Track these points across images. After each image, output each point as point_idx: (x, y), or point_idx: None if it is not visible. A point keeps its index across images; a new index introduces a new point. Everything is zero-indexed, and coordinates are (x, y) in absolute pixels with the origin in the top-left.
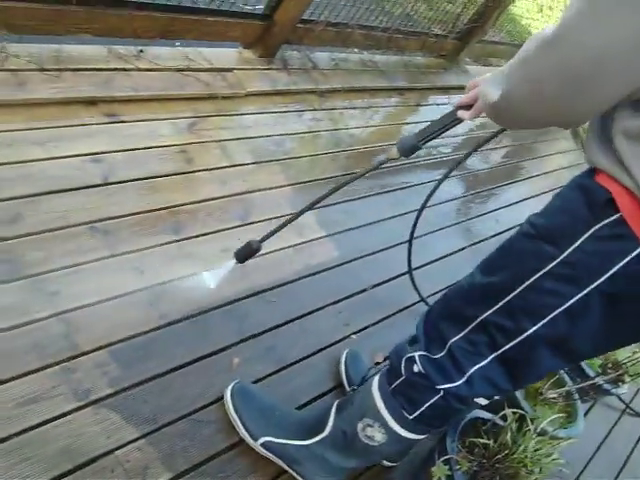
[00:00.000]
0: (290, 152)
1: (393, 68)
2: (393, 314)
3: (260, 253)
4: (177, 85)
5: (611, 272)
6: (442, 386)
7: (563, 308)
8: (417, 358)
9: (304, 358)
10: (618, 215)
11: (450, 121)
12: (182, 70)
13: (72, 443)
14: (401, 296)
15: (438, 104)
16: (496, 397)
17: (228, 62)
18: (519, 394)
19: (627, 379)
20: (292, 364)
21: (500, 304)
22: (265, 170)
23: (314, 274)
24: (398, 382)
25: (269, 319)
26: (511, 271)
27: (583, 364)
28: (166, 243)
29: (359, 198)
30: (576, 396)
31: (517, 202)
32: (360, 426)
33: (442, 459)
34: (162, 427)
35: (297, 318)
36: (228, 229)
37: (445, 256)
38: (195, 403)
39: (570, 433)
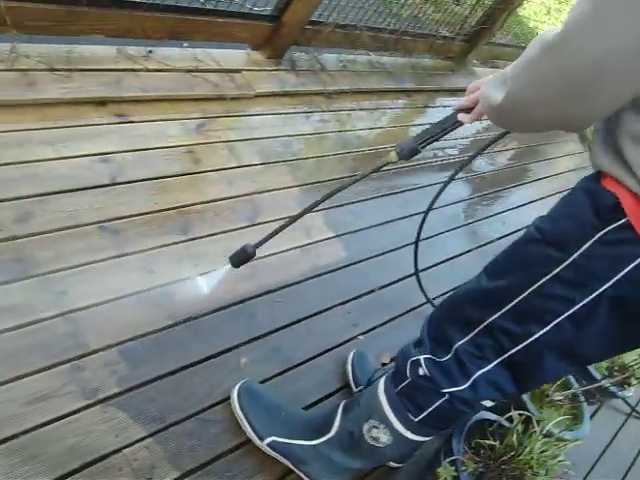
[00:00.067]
0: (298, 153)
1: (401, 70)
2: (400, 315)
3: (268, 253)
4: (186, 86)
5: (618, 277)
6: (447, 390)
7: (569, 313)
8: (422, 361)
9: (311, 358)
10: (625, 220)
11: (450, 124)
12: (191, 71)
13: (80, 441)
14: (409, 297)
15: (445, 106)
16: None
17: (236, 63)
18: (525, 396)
19: (633, 382)
20: (299, 364)
21: (506, 308)
22: (273, 171)
23: (322, 275)
24: (403, 385)
25: (276, 319)
26: (517, 275)
27: (589, 366)
28: (174, 243)
29: (368, 199)
30: (582, 398)
31: (524, 204)
32: (366, 427)
33: (448, 460)
34: (169, 426)
35: (304, 318)
36: (236, 229)
37: (452, 258)
38: (202, 402)
39: (576, 435)
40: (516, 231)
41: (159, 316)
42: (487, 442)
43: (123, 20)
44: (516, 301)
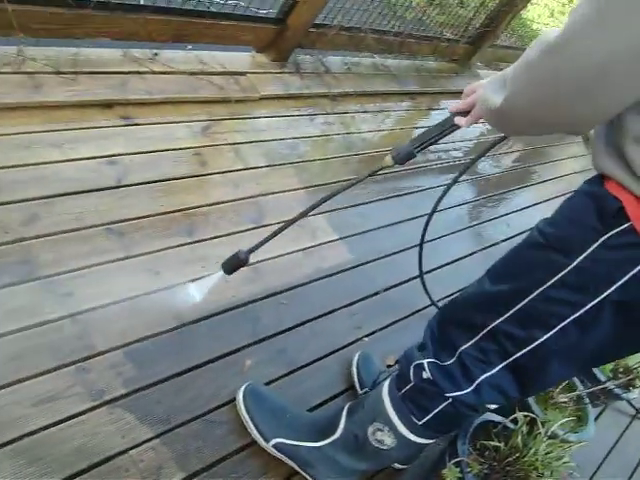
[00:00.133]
0: (303, 155)
1: (405, 72)
2: (405, 317)
3: (272, 255)
4: (191, 88)
5: (622, 281)
6: (451, 394)
7: (573, 317)
8: (426, 365)
9: (316, 360)
10: (628, 224)
11: (447, 128)
12: (196, 73)
13: (87, 442)
14: (414, 299)
15: None
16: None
17: (241, 66)
18: (530, 398)
19: (638, 384)
20: (304, 366)
21: (510, 312)
22: (278, 173)
23: (327, 277)
24: (407, 388)
25: (281, 321)
26: (521, 279)
27: (594, 369)
28: (180, 245)
29: (373, 201)
30: (587, 400)
31: (528, 206)
32: (371, 430)
33: (453, 461)
34: (176, 427)
35: (309, 320)
36: (241, 232)
37: (456, 260)
38: (208, 404)
39: (581, 437)
40: (521, 233)
41: (165, 318)
42: (492, 443)
43: (128, 23)
44: (520, 305)
